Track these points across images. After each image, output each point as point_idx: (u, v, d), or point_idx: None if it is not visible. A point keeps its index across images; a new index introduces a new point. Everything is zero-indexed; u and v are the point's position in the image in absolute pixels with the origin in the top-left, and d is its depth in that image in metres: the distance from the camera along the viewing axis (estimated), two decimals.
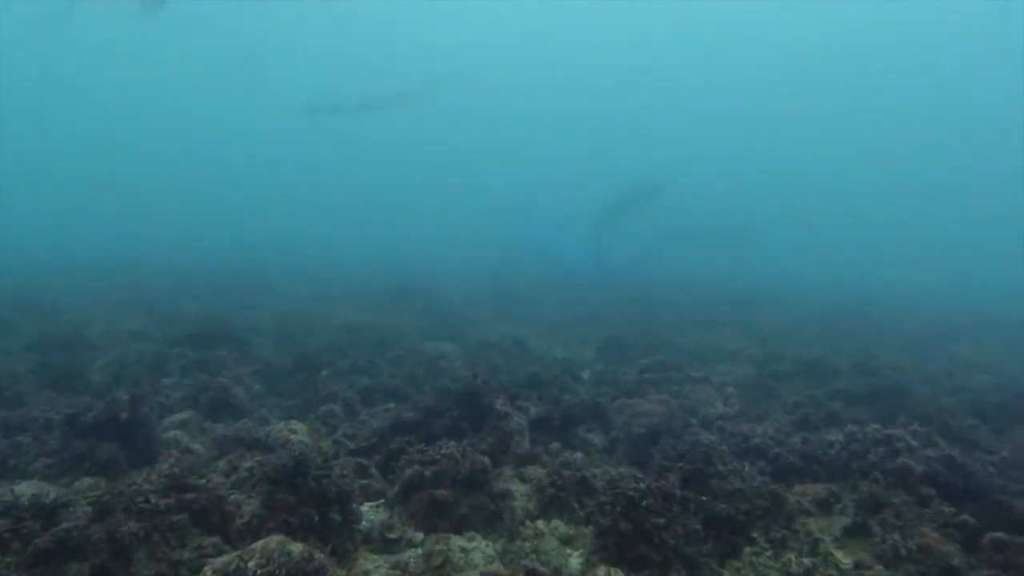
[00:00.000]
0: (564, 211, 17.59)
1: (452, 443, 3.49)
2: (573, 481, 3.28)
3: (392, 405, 4.39)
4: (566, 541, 2.86)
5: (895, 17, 33.29)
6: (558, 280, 12.69)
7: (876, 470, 2.93)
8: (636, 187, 14.98)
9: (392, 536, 2.70)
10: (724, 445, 3.73)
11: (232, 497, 2.56)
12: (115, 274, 10.36)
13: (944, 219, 33.00)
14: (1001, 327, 8.59)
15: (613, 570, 2.48)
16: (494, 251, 17.00)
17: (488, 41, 36.93)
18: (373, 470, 3.24)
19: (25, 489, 2.70)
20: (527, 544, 2.77)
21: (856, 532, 2.67)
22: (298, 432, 3.66)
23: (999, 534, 2.39)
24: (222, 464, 2.97)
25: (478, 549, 2.60)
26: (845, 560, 2.51)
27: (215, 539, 2.33)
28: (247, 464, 2.74)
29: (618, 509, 2.66)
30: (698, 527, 2.62)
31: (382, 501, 3.01)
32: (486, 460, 3.27)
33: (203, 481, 2.53)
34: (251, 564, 1.98)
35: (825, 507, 2.93)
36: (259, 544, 2.07)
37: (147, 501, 2.33)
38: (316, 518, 2.50)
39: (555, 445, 3.91)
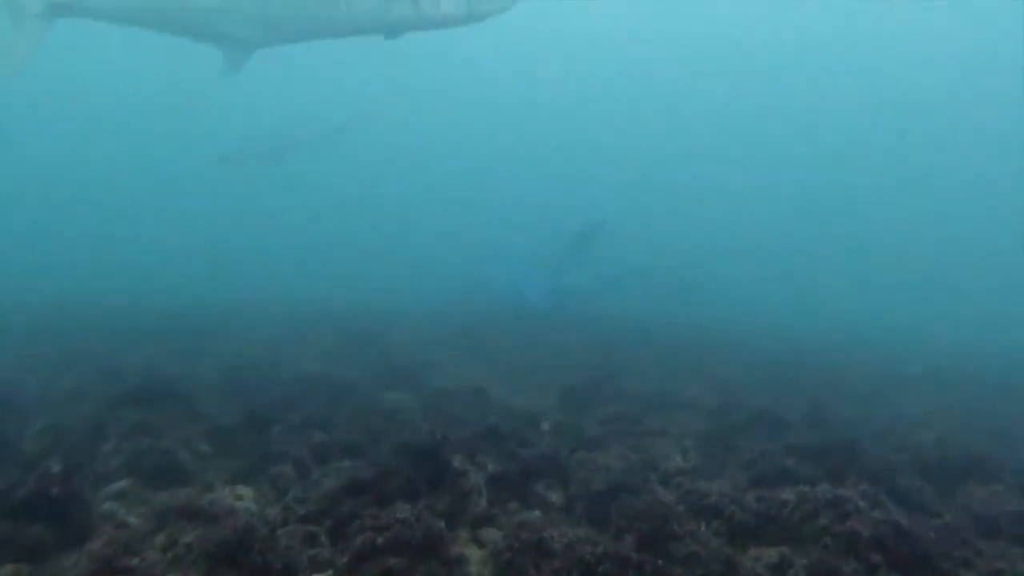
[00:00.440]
0: (524, 248, 17.65)
1: (407, 506, 3.43)
2: (530, 544, 3.23)
3: (347, 463, 4.29)
4: None
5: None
6: (518, 321, 12.72)
7: (826, 534, 2.97)
8: (582, 227, 15.18)
9: None
10: (681, 504, 3.74)
11: None
12: (50, 324, 9.96)
13: (934, 247, 33.73)
14: (948, 380, 8.85)
15: None
16: (456, 290, 16.99)
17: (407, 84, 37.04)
18: (323, 538, 3.15)
19: None
20: None
21: None
22: (245, 497, 3.54)
23: None
24: (160, 539, 2.84)
25: None
26: None
27: None
28: (187, 539, 2.63)
29: (575, 575, 2.63)
30: None
31: (331, 572, 2.92)
32: (441, 524, 3.21)
33: (137, 561, 2.41)
34: None
35: (778, 571, 2.94)
36: None
37: None
38: None
39: (513, 505, 3.86)
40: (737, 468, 4.50)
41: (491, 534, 3.52)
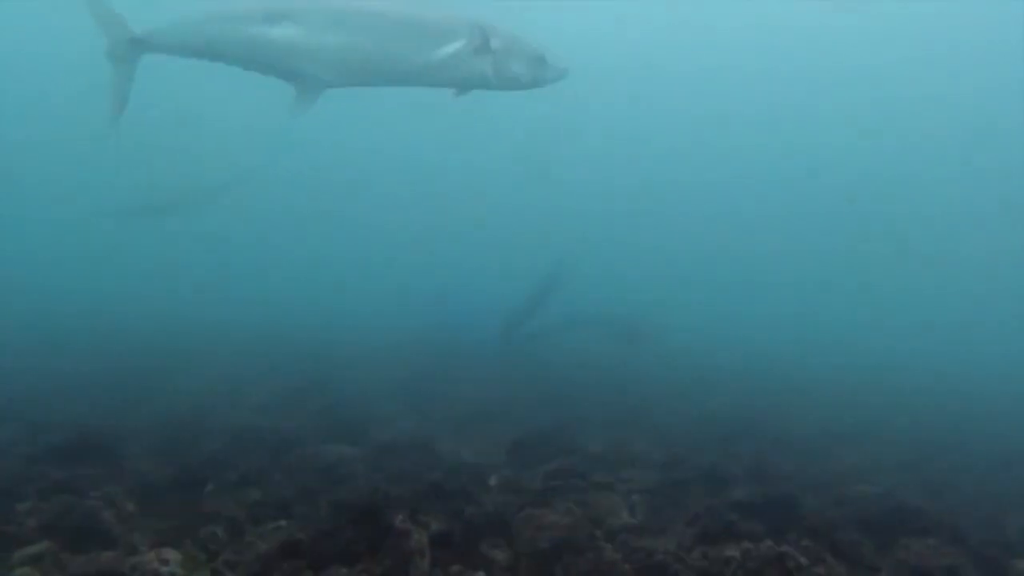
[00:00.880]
0: (485, 294, 17.57)
1: (344, 569, 3.31)
2: None
3: (283, 523, 4.12)
4: None
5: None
6: (469, 369, 12.62)
7: None
8: (542, 280, 15.24)
9: None
10: (627, 563, 3.71)
11: None
12: None
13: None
14: (885, 432, 9.10)
15: None
16: (409, 329, 16.78)
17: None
18: None
19: None
20: None
21: None
22: (171, 561, 3.35)
23: None
24: None
25: None
26: None
27: None
28: None
29: None
30: None
31: None
32: None
33: None
34: None
35: None
36: None
37: None
38: None
39: (456, 567, 3.75)
40: (683, 524, 4.49)
41: None
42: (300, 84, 5.47)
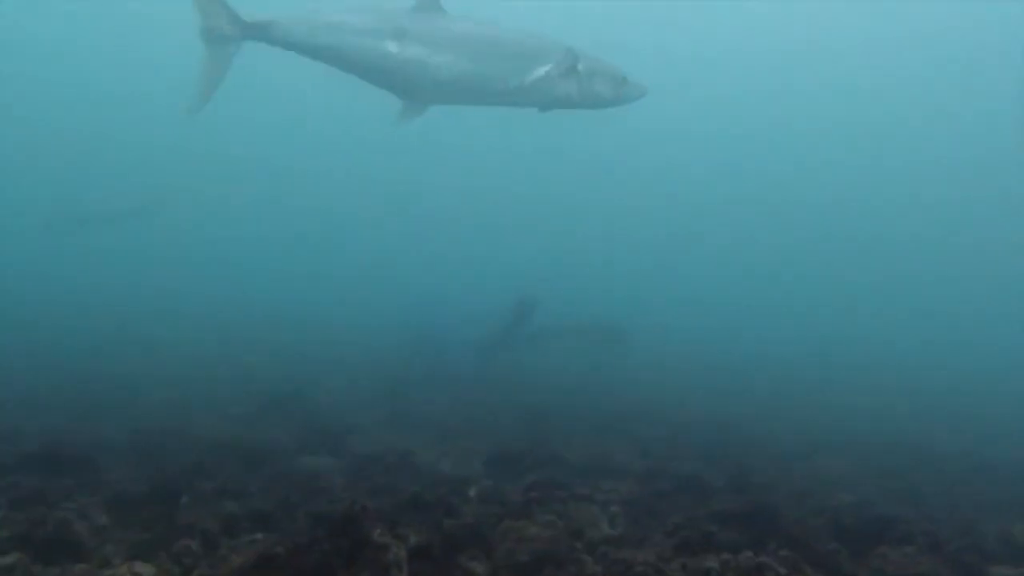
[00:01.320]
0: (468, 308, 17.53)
1: None
2: None
3: (259, 536, 4.06)
4: None
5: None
6: (449, 381, 12.57)
7: None
8: (518, 305, 15.21)
9: None
10: (607, 575, 3.70)
11: None
12: None
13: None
14: (863, 444, 9.19)
15: None
16: (389, 341, 16.68)
17: None
18: None
19: None
20: None
21: None
22: (144, 575, 3.28)
23: None
24: None
25: None
26: None
27: None
28: None
29: None
30: None
31: None
32: None
33: None
34: None
35: None
36: None
37: None
38: None
39: None
40: (663, 535, 4.49)
41: None
42: (410, 99, 5.73)
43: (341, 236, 38.14)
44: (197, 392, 9.61)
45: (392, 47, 5.51)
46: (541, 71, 5.61)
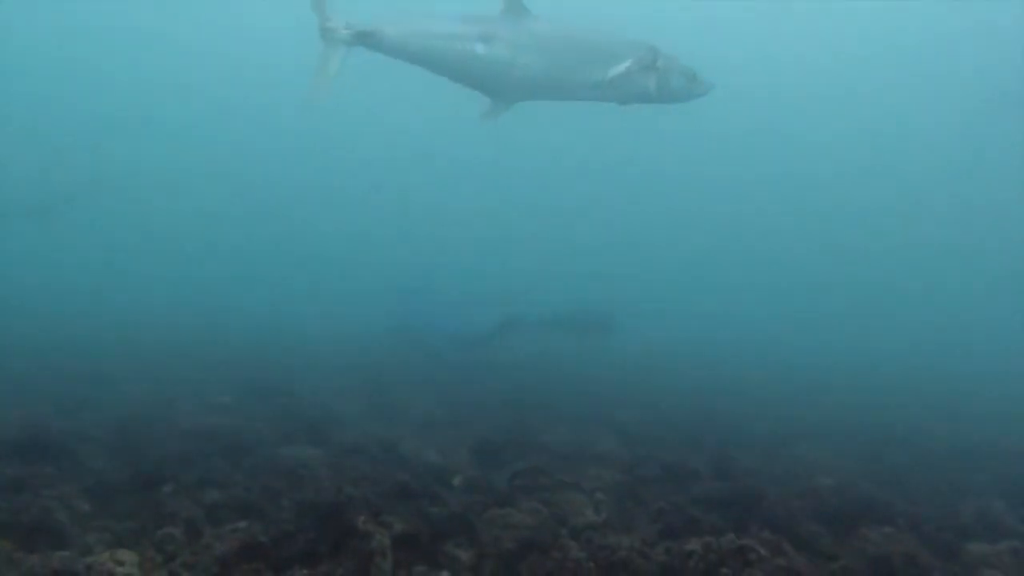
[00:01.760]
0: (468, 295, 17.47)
1: (305, 571, 3.26)
2: None
3: (243, 524, 4.04)
4: None
5: None
6: (432, 371, 12.57)
7: None
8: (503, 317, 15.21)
9: None
10: (592, 561, 3.72)
11: None
12: None
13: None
14: (843, 429, 9.30)
15: None
16: (372, 333, 16.62)
17: None
18: None
19: None
20: None
21: None
22: (127, 563, 3.25)
23: None
24: None
25: None
26: None
27: None
28: None
29: None
30: None
31: None
32: None
33: None
34: None
35: None
36: None
37: None
38: None
39: (419, 568, 3.72)
40: (647, 520, 4.53)
41: None
42: (497, 98, 6.09)
43: (324, 228, 37.99)
44: (180, 383, 9.53)
45: (480, 49, 5.89)
46: (622, 68, 5.91)
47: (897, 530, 4.03)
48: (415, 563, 3.84)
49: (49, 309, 16.62)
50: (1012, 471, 6.99)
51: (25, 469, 4.43)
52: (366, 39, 5.84)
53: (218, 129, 40.20)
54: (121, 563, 3.27)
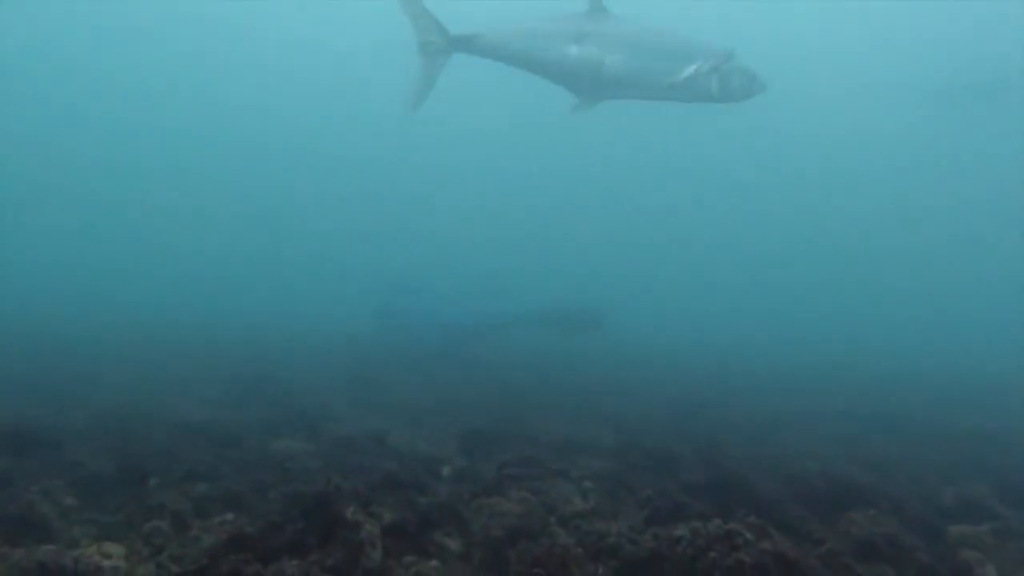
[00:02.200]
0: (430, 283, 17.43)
1: (294, 562, 3.25)
2: None
3: (231, 516, 4.03)
4: None
5: None
6: (421, 363, 12.56)
7: (716, 567, 3.04)
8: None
9: None
10: (580, 547, 3.74)
11: None
12: None
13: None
14: (828, 415, 9.39)
15: None
16: (361, 326, 16.58)
17: None
18: None
19: None
20: None
21: None
22: (114, 556, 3.24)
23: None
24: None
25: None
26: None
27: None
28: None
29: None
30: None
31: None
32: None
33: None
34: None
35: None
36: None
37: None
38: None
39: (409, 557, 3.72)
40: (635, 507, 4.55)
41: None
42: (585, 95, 6.42)
43: (309, 221, 37.84)
44: (168, 378, 9.49)
45: (572, 50, 6.25)
46: (693, 69, 6.19)
47: (881, 513, 4.09)
48: (404, 553, 3.85)
49: (37, 304, 16.47)
50: (994, 455, 7.09)
51: (9, 463, 4.39)
52: (465, 44, 6.20)
53: (205, 129, 40.01)
54: (108, 556, 3.26)
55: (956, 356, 18.20)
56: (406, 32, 6.28)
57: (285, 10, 34.25)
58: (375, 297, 17.18)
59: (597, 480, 5.30)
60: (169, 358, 11.09)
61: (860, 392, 11.73)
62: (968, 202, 35.47)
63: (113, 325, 14.69)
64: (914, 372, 15.12)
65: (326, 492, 3.98)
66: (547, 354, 14.14)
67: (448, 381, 10.77)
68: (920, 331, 24.43)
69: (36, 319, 14.50)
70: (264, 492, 4.55)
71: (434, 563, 3.77)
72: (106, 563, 3.17)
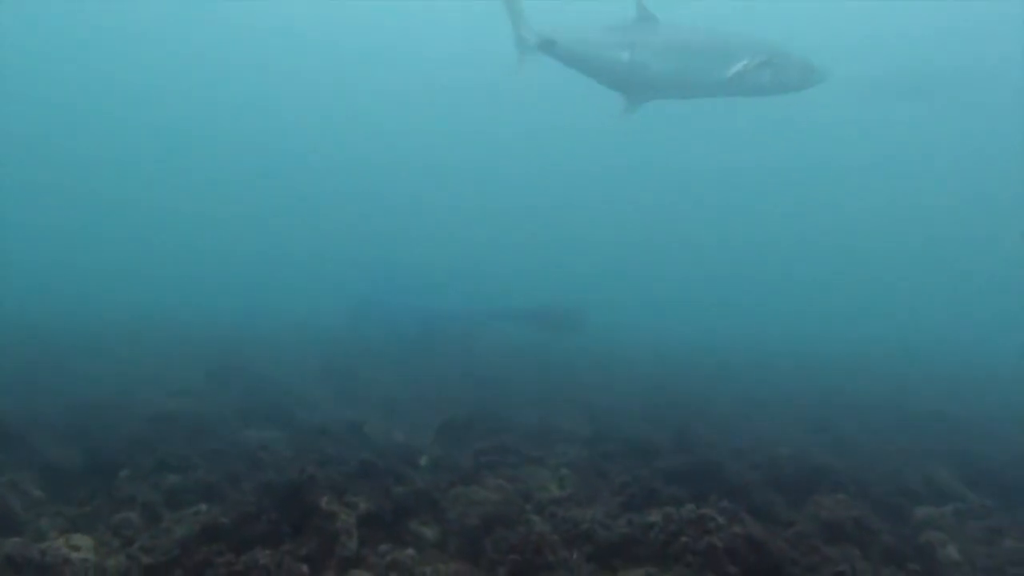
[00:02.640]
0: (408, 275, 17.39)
1: (267, 551, 3.23)
2: None
3: (203, 507, 3.99)
4: None
5: None
6: (397, 352, 12.52)
7: (688, 551, 3.09)
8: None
9: None
10: (555, 534, 3.77)
11: None
12: None
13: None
14: (797, 402, 9.54)
15: None
16: (334, 316, 16.48)
17: None
18: None
19: None
20: None
21: None
22: (82, 548, 3.20)
23: None
24: None
25: None
26: None
27: None
28: None
29: None
30: None
31: None
32: (304, 569, 3.05)
33: None
34: None
35: None
36: None
37: None
38: None
39: (385, 546, 3.72)
40: (610, 494, 4.60)
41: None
42: (635, 96, 6.86)
43: (298, 220, 37.70)
44: (143, 369, 9.36)
45: (625, 56, 6.75)
46: (741, 65, 6.53)
47: (848, 496, 4.18)
48: (380, 541, 3.84)
49: (25, 301, 16.17)
50: (956, 438, 7.27)
51: None
52: (548, 47, 6.85)
53: (205, 129, 39.59)
54: (76, 548, 3.22)
55: (924, 342, 18.61)
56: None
57: (285, 10, 33.74)
58: (355, 293, 17.11)
59: (573, 467, 5.33)
60: (147, 352, 10.94)
61: (828, 379, 11.97)
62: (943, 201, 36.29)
63: (96, 320, 14.45)
64: (882, 357, 15.43)
65: (300, 481, 3.96)
66: (526, 349, 14.17)
67: (425, 374, 10.75)
68: (895, 323, 24.94)
69: (15, 313, 14.21)
70: (237, 482, 4.51)
71: (410, 551, 3.77)
72: (74, 555, 3.12)
